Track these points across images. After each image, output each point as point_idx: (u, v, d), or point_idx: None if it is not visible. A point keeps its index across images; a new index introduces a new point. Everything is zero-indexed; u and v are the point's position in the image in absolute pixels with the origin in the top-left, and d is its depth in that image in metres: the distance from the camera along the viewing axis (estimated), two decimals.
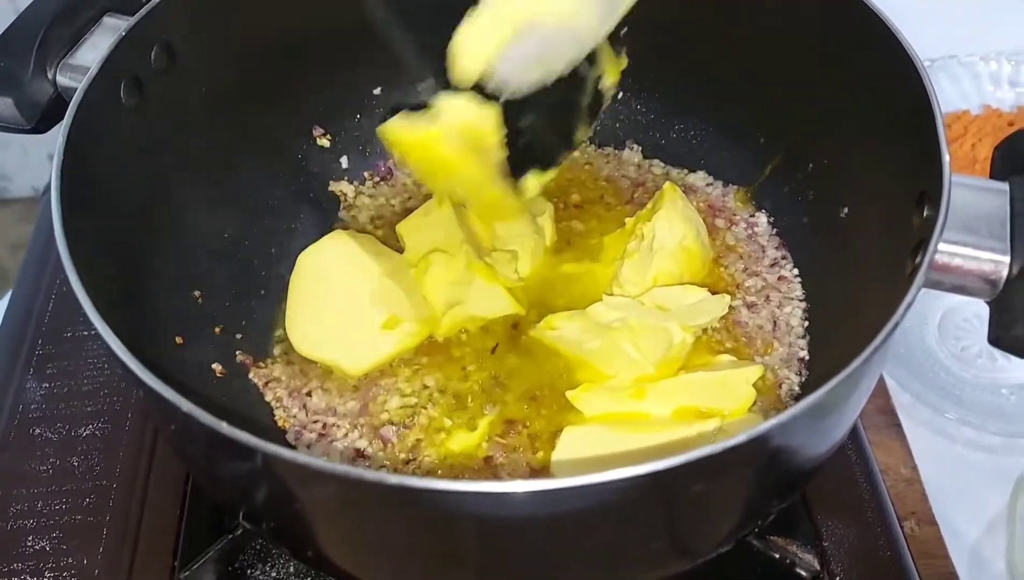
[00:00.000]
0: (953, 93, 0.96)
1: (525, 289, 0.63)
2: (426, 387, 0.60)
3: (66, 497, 0.61)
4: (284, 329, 0.64)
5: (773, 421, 0.40)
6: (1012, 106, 0.96)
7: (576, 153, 0.73)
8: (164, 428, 0.52)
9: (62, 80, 0.56)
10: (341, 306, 0.60)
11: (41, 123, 0.56)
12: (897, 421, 0.72)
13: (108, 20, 0.58)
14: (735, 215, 0.69)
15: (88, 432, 0.64)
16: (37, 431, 0.64)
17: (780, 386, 0.60)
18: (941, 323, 0.78)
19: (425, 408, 0.59)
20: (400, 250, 0.65)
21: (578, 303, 0.62)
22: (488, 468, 0.56)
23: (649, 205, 0.65)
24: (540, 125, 0.56)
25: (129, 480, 0.61)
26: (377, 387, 0.60)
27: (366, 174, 0.72)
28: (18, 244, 1.91)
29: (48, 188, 0.81)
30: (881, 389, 0.74)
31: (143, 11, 0.56)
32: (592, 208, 0.70)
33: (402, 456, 0.57)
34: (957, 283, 0.46)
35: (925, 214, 0.46)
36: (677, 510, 0.45)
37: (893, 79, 0.51)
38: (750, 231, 0.68)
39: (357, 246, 0.61)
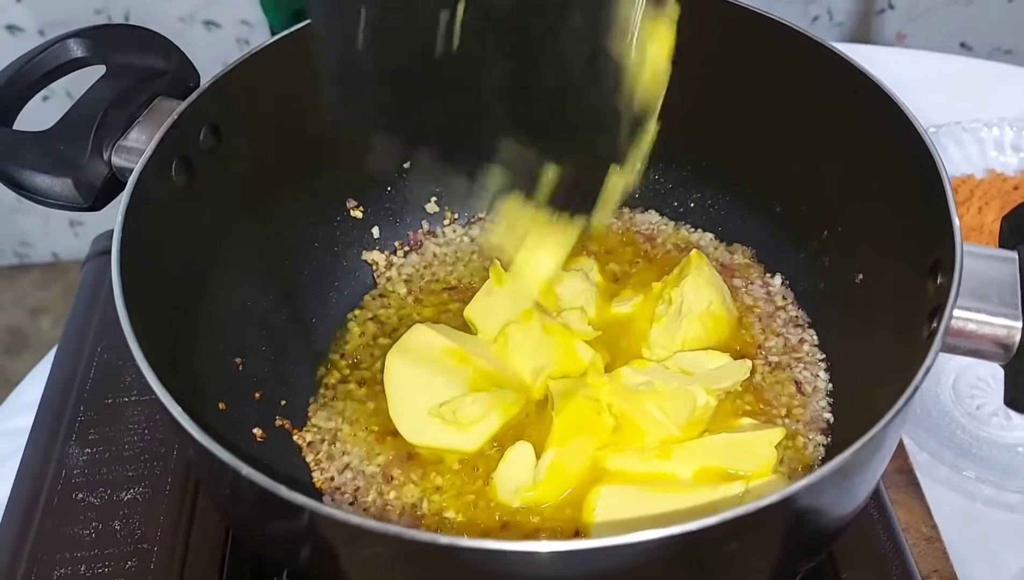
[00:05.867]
0: (959, 158, 0.99)
1: (601, 338, 0.66)
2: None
3: (108, 561, 0.62)
4: (319, 394, 0.66)
5: (800, 483, 0.42)
6: (1016, 170, 0.99)
7: None
8: (214, 489, 0.54)
9: (117, 161, 0.59)
10: (441, 393, 0.62)
11: (97, 201, 0.59)
12: (916, 480, 0.73)
13: (159, 103, 0.62)
14: (751, 272, 0.71)
15: (129, 496, 0.66)
16: (80, 496, 0.66)
17: (806, 448, 0.61)
18: (956, 383, 0.79)
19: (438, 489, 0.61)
20: (469, 331, 0.68)
21: (634, 345, 0.66)
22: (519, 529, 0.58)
23: (676, 271, 0.68)
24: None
25: (169, 543, 0.63)
26: (400, 459, 0.62)
27: (396, 244, 0.75)
28: (37, 309, 1.95)
29: (86, 257, 0.84)
30: (899, 448, 0.75)
31: (192, 96, 0.59)
32: (621, 252, 0.74)
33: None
34: (971, 347, 0.48)
35: (939, 281, 0.49)
36: (706, 571, 0.46)
37: (903, 154, 0.54)
38: (766, 290, 0.70)
39: (439, 335, 0.64)
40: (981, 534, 0.70)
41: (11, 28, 1.64)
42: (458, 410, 0.61)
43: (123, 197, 0.54)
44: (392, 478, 0.61)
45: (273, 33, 0.73)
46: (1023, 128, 0.99)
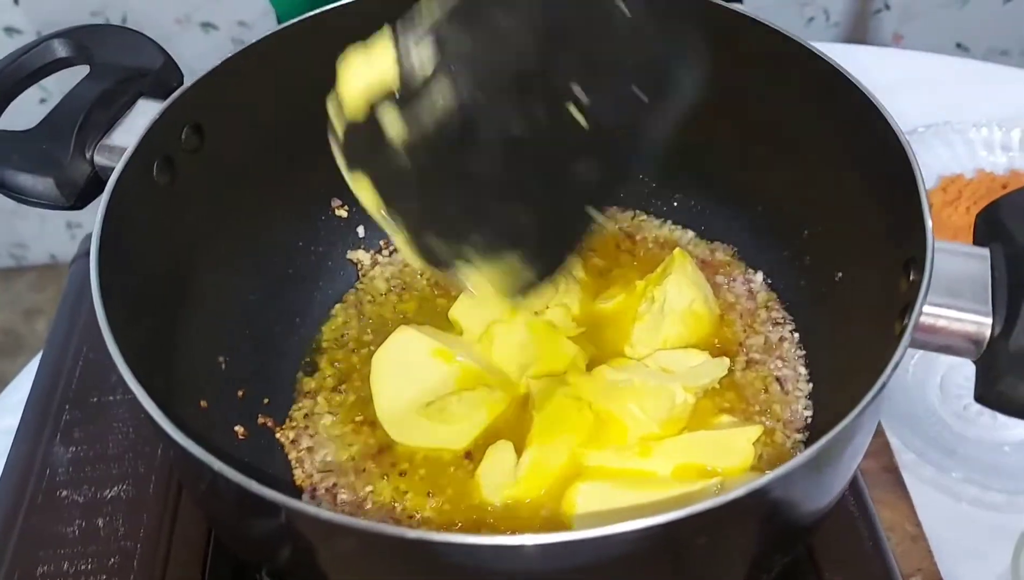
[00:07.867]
0: (948, 158, 0.99)
1: (585, 334, 0.66)
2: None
3: (92, 558, 0.62)
4: (301, 392, 0.66)
5: (772, 475, 0.42)
6: (1005, 169, 0.99)
7: None
8: (193, 487, 0.55)
9: (99, 160, 0.60)
10: (429, 393, 0.62)
11: (79, 201, 0.59)
12: (901, 479, 0.73)
13: (142, 103, 0.62)
14: (734, 270, 0.72)
15: (113, 495, 0.66)
16: (64, 494, 0.66)
17: (784, 445, 0.62)
18: (942, 382, 0.79)
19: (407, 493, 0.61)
20: (454, 331, 0.68)
21: (621, 339, 0.66)
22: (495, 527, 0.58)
23: (659, 269, 0.68)
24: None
25: (152, 541, 0.63)
26: (379, 454, 0.62)
27: (381, 243, 0.76)
28: (32, 310, 1.96)
29: (73, 257, 0.85)
30: (884, 448, 0.75)
31: (174, 96, 0.60)
32: (603, 248, 0.74)
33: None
34: (943, 343, 0.48)
35: (912, 278, 0.49)
36: (682, 564, 0.47)
37: (880, 153, 0.54)
38: (748, 288, 0.70)
39: (424, 336, 0.64)
40: (966, 534, 0.70)
41: (8, 30, 1.65)
42: (446, 409, 0.61)
43: (103, 196, 0.54)
44: (371, 472, 0.61)
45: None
46: (1012, 128, 1.00)
